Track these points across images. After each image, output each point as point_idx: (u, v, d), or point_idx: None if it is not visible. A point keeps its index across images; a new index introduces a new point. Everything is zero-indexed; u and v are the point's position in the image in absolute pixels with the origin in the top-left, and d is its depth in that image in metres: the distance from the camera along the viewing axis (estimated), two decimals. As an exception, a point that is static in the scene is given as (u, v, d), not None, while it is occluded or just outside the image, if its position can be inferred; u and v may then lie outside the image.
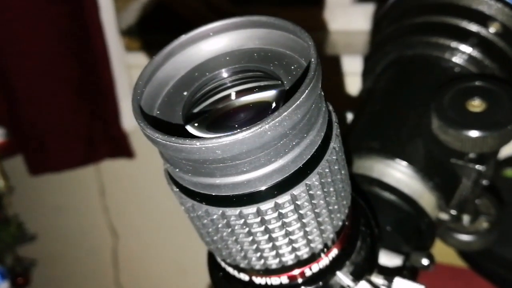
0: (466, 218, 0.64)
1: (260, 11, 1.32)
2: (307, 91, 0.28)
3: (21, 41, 1.35)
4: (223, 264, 0.40)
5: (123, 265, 1.93)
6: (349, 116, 0.69)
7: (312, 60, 0.30)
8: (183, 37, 0.35)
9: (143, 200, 1.70)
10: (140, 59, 1.38)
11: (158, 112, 0.34)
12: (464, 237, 0.65)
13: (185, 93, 0.34)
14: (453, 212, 0.60)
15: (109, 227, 1.81)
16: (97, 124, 1.49)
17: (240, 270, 0.38)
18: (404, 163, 0.57)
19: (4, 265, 1.80)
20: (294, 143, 0.30)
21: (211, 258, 0.42)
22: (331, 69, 1.12)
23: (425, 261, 0.51)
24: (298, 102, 0.28)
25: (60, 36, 1.34)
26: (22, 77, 1.40)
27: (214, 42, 0.35)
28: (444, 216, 0.60)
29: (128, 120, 1.46)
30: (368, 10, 1.19)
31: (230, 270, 0.39)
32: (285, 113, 0.28)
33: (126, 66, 1.41)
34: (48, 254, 2.00)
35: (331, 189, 0.34)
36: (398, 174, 0.57)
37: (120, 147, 1.51)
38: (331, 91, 1.05)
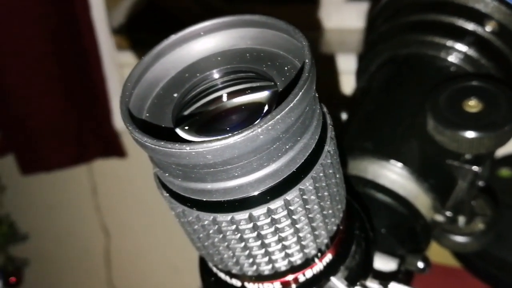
0: (461, 220, 0.63)
1: (253, 9, 1.31)
2: (300, 93, 0.27)
3: (10, 40, 1.34)
4: (214, 269, 0.39)
5: (116, 264, 1.92)
6: (344, 117, 0.68)
7: (306, 61, 0.29)
8: (173, 37, 0.34)
9: (135, 199, 1.69)
10: (131, 58, 1.36)
11: (147, 114, 0.33)
12: (460, 239, 0.64)
13: (175, 95, 0.33)
14: (449, 213, 0.59)
15: (101, 226, 1.80)
16: (88, 123, 1.48)
17: (232, 275, 0.37)
18: (399, 164, 0.56)
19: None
20: (287, 146, 0.29)
21: (203, 262, 0.41)
22: (325, 67, 1.12)
23: (420, 264, 0.50)
24: (291, 104, 0.27)
25: (50, 35, 1.33)
26: (13, 76, 1.39)
27: (205, 42, 0.34)
28: (439, 217, 0.59)
29: (120, 119, 1.45)
30: (362, 8, 1.18)
31: (222, 275, 0.38)
32: (278, 116, 0.27)
33: (117, 65, 1.40)
34: (40, 254, 1.99)
35: (326, 193, 0.33)
36: (393, 175, 0.56)
37: (112, 147, 1.50)
38: (326, 90, 1.05)
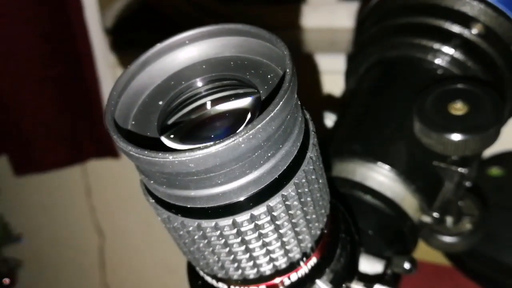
0: (449, 220, 0.64)
1: (245, 9, 1.31)
2: (281, 102, 0.28)
3: (2, 41, 1.34)
4: (201, 273, 0.39)
5: (110, 265, 1.92)
6: (328, 116, 0.68)
7: (287, 70, 0.29)
8: (159, 46, 0.34)
9: (130, 199, 1.69)
10: (125, 59, 1.36)
11: (133, 122, 0.33)
12: (448, 239, 0.65)
13: (160, 103, 0.34)
14: (436, 214, 0.60)
15: (96, 227, 1.80)
16: (82, 124, 1.47)
17: (218, 279, 0.38)
18: (387, 166, 0.57)
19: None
20: (269, 154, 0.30)
21: (190, 266, 0.42)
22: (314, 67, 1.12)
23: (407, 265, 0.50)
24: (272, 114, 0.28)
25: (43, 35, 1.32)
26: (5, 77, 1.39)
27: (190, 50, 0.35)
28: (426, 218, 0.60)
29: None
30: (352, 8, 1.18)
31: (209, 279, 0.39)
32: (259, 126, 0.27)
33: (111, 65, 1.40)
34: (34, 255, 1.99)
35: (308, 199, 0.33)
36: (381, 177, 0.56)
37: (106, 147, 1.50)
38: (313, 90, 1.05)
